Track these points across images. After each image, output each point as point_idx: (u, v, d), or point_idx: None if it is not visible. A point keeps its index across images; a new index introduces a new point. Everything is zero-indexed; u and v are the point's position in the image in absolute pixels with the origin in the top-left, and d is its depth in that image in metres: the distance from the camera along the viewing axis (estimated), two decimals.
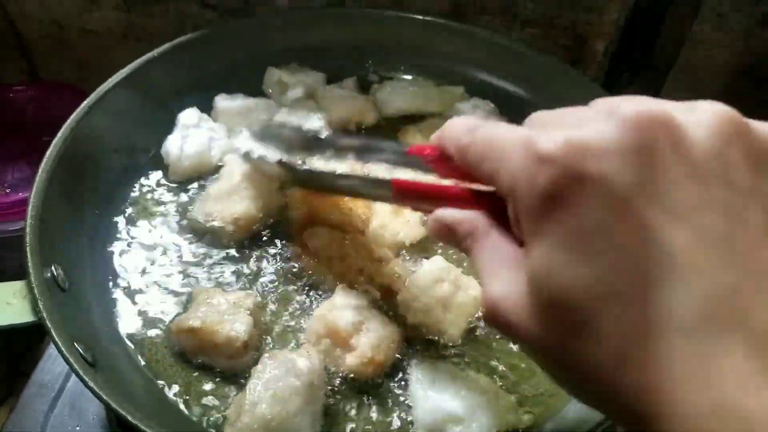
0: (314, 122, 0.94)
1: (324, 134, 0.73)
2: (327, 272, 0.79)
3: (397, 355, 0.74)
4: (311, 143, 0.74)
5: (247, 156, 0.82)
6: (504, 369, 0.75)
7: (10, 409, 0.83)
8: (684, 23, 1.02)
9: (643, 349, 0.32)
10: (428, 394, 0.70)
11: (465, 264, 0.82)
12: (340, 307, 0.72)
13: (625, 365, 0.33)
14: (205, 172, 0.91)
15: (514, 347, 0.76)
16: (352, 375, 0.71)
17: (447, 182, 0.49)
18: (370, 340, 0.71)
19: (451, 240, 0.47)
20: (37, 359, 0.87)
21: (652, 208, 0.33)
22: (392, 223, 0.84)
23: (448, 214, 0.46)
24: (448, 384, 0.71)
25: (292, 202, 0.86)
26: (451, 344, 0.75)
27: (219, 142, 0.92)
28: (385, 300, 0.77)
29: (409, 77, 1.10)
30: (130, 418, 0.58)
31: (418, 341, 0.76)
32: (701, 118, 0.35)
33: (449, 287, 0.76)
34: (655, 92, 1.09)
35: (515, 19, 1.10)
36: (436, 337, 0.76)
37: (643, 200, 0.33)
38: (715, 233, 0.33)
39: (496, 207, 0.43)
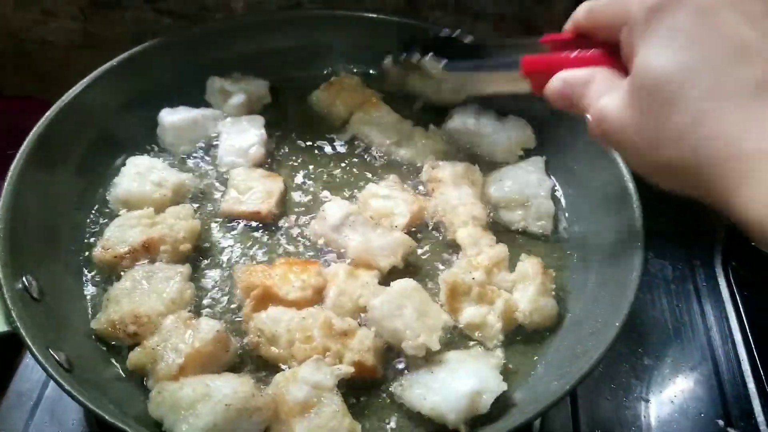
0: (251, 137, 0.97)
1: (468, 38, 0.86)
2: (291, 358, 0.72)
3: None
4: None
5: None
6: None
7: None
8: None
9: (719, 108, 0.47)
10: (438, 387, 0.70)
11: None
12: (300, 381, 0.67)
13: (704, 121, 0.48)
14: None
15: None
16: None
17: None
18: (309, 430, 0.65)
19: (566, 95, 0.62)
20: (13, 372, 0.88)
21: (732, 13, 0.48)
22: (350, 288, 0.78)
23: (563, 74, 0.63)
24: (442, 370, 0.72)
25: (242, 287, 0.78)
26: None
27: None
28: (359, 376, 0.71)
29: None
30: (108, 417, 0.60)
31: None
32: None
33: (411, 311, 0.74)
34: None
35: (467, 13, 1.14)
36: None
37: (725, 8, 0.49)
38: None
39: (603, 62, 0.61)
